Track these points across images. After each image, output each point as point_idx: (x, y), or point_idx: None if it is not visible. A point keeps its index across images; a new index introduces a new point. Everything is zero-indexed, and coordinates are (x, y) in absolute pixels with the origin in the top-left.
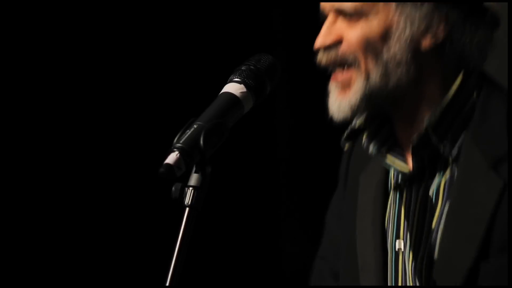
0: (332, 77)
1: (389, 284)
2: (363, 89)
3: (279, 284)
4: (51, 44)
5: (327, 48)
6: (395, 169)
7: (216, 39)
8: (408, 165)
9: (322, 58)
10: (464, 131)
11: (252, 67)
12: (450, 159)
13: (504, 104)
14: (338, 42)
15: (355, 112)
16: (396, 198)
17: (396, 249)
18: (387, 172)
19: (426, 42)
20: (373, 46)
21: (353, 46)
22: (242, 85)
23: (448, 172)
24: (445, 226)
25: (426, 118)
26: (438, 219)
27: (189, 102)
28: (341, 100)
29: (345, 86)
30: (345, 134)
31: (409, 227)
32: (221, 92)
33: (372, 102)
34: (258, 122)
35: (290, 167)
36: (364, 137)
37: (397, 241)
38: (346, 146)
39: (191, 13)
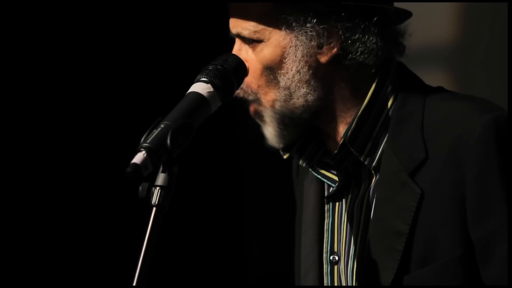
0: (250, 110)
1: None
2: (273, 118)
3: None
4: (48, 43)
5: None
6: (326, 182)
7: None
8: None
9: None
10: (382, 140)
11: (219, 66)
12: (372, 170)
13: (419, 106)
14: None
15: (286, 138)
16: (330, 209)
17: (332, 261)
18: (323, 182)
19: (322, 57)
20: (272, 73)
21: (255, 78)
22: (209, 85)
23: (372, 183)
24: (368, 238)
25: (344, 131)
26: (364, 232)
27: (155, 102)
28: (266, 131)
29: (259, 118)
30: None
31: (342, 239)
32: (188, 91)
33: (292, 124)
34: (220, 123)
35: (253, 168)
36: (294, 152)
37: (333, 254)
38: (286, 155)
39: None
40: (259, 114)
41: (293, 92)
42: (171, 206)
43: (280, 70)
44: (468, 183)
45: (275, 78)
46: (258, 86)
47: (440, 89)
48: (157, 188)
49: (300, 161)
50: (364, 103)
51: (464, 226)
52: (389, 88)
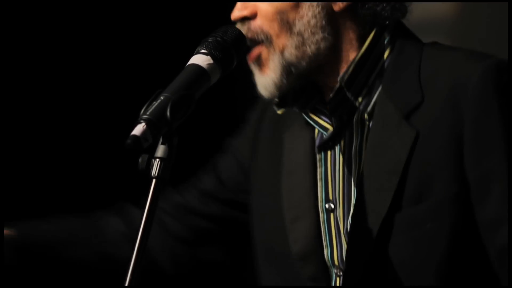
0: (249, 56)
1: (324, 244)
2: (280, 64)
3: None
4: (47, 43)
5: (243, 20)
6: (318, 129)
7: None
8: (331, 125)
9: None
10: (378, 86)
11: (219, 38)
12: (366, 115)
13: (416, 56)
14: (253, 15)
15: (283, 88)
16: (322, 158)
17: (327, 209)
18: (313, 130)
19: (338, 5)
20: (285, 17)
21: (266, 20)
22: (208, 57)
23: (366, 129)
24: (360, 181)
25: (340, 76)
26: (361, 176)
27: (155, 74)
28: (264, 79)
29: (262, 64)
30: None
31: (337, 187)
32: (188, 63)
33: (295, 74)
34: (220, 96)
35: None
36: (292, 92)
37: (328, 202)
38: (281, 111)
39: None
40: (262, 59)
41: (306, 38)
42: (170, 178)
43: (296, 14)
44: (466, 124)
45: (289, 22)
46: (270, 29)
47: (436, 43)
48: (157, 159)
49: (294, 107)
50: (361, 50)
51: (460, 166)
52: (387, 40)
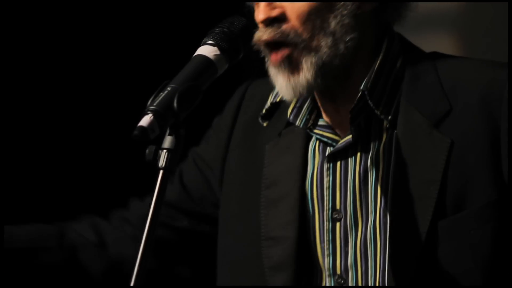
0: (274, 57)
1: (326, 253)
2: (315, 64)
3: None
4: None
5: (271, 21)
6: (325, 141)
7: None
8: (338, 136)
9: (264, 34)
10: (397, 94)
11: (225, 29)
12: (386, 124)
13: (431, 65)
14: (282, 16)
15: (310, 90)
16: (330, 167)
17: (334, 218)
18: (306, 146)
19: (366, 6)
20: (320, 17)
21: (300, 21)
22: (215, 48)
23: (384, 138)
24: (393, 190)
25: (363, 83)
26: (384, 185)
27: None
28: (295, 80)
29: (293, 66)
30: (264, 110)
31: (348, 196)
32: (195, 54)
33: (325, 76)
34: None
35: None
36: (290, 110)
37: (334, 211)
38: (265, 123)
39: None
40: (293, 60)
41: (338, 37)
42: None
43: (330, 13)
44: (503, 130)
45: (323, 21)
46: (305, 30)
47: (438, 53)
48: (164, 151)
49: (297, 122)
50: (380, 57)
51: (499, 172)
52: (398, 48)
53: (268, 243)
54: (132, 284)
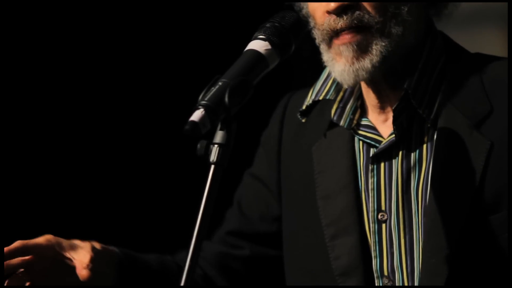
0: (342, 38)
1: (373, 254)
2: (384, 50)
3: None
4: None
5: (345, 9)
6: (368, 142)
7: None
8: (381, 137)
9: (339, 21)
10: (439, 94)
11: (276, 24)
12: (428, 124)
13: (473, 65)
14: (356, 3)
15: (371, 75)
16: (374, 169)
17: (380, 220)
18: (352, 146)
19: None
20: (393, 5)
21: (374, 8)
22: (266, 42)
23: (427, 138)
24: (433, 189)
25: (406, 81)
26: (425, 185)
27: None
28: (360, 64)
29: (361, 48)
30: (304, 106)
31: (392, 197)
32: (246, 49)
33: (389, 64)
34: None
35: None
36: (333, 110)
37: (380, 212)
38: (304, 120)
39: None
40: (363, 43)
41: (406, 27)
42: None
43: (402, 3)
44: None
45: (396, 9)
46: (377, 14)
47: (481, 54)
48: (216, 145)
49: (341, 122)
50: (423, 56)
51: None
52: (441, 46)
53: (334, 253)
54: (182, 284)
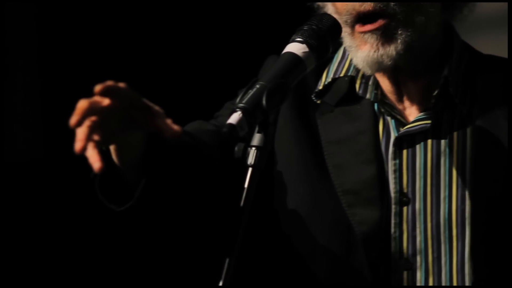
0: (367, 26)
1: (392, 236)
2: (409, 39)
3: None
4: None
5: None
6: (397, 118)
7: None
8: (404, 119)
9: (364, 4)
10: (471, 86)
11: (314, 26)
12: (462, 112)
13: (494, 63)
14: None
15: (395, 63)
16: (396, 151)
17: (402, 201)
18: (375, 122)
19: None
20: None
21: None
22: (304, 45)
23: (459, 126)
24: (473, 179)
25: (444, 70)
26: (460, 172)
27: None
28: (383, 51)
29: (387, 36)
30: (321, 86)
31: (418, 181)
32: (283, 52)
33: (412, 54)
34: None
35: None
36: (358, 84)
37: (402, 194)
38: (319, 101)
39: None
40: (388, 30)
41: (430, 18)
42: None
43: None
44: None
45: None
46: (402, 4)
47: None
48: (253, 148)
49: (367, 95)
50: (456, 47)
51: None
52: (464, 44)
53: (355, 218)
54: (221, 284)
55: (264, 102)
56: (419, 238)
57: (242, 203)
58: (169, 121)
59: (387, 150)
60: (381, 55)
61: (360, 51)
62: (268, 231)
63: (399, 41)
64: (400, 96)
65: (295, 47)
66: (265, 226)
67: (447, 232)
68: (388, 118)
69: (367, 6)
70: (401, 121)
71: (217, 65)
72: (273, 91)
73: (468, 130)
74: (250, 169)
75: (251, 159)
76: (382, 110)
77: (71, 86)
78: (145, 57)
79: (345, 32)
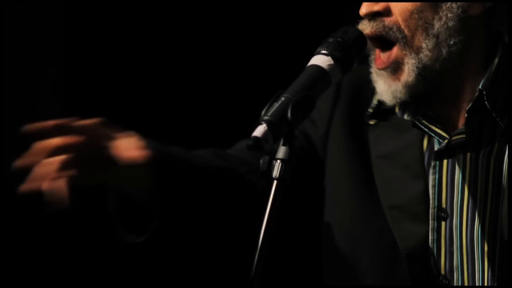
0: (376, 60)
1: (430, 252)
2: (416, 67)
3: None
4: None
5: (374, 15)
6: (431, 135)
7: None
8: (445, 132)
9: (367, 27)
10: (511, 99)
11: (339, 39)
12: (501, 127)
13: None
14: (385, 11)
15: (409, 95)
16: (437, 165)
17: (439, 217)
18: (420, 137)
19: (474, 10)
20: (424, 17)
21: (403, 18)
22: (329, 57)
23: (498, 141)
24: (501, 191)
25: (481, 83)
26: (496, 188)
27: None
28: (396, 86)
29: (396, 69)
30: (371, 109)
31: (455, 196)
32: (308, 64)
33: (426, 81)
34: None
35: None
36: (397, 108)
37: (440, 210)
38: (373, 121)
39: None
40: (396, 64)
41: (441, 40)
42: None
43: (434, 14)
44: None
45: (427, 22)
46: (406, 27)
47: None
48: (278, 161)
49: (405, 116)
50: (495, 61)
51: None
52: (507, 53)
53: (399, 234)
54: None
55: (289, 115)
56: (455, 254)
57: (266, 216)
58: (133, 147)
59: (429, 164)
60: (394, 91)
61: (377, 83)
62: (311, 244)
63: (407, 72)
64: (444, 108)
65: (320, 60)
66: (309, 238)
67: (480, 247)
68: (427, 132)
69: (369, 29)
70: (441, 135)
71: (228, 70)
72: (298, 104)
73: (506, 146)
74: (275, 182)
75: (276, 172)
76: (425, 121)
77: (97, 83)
78: (172, 56)
79: (371, 55)
